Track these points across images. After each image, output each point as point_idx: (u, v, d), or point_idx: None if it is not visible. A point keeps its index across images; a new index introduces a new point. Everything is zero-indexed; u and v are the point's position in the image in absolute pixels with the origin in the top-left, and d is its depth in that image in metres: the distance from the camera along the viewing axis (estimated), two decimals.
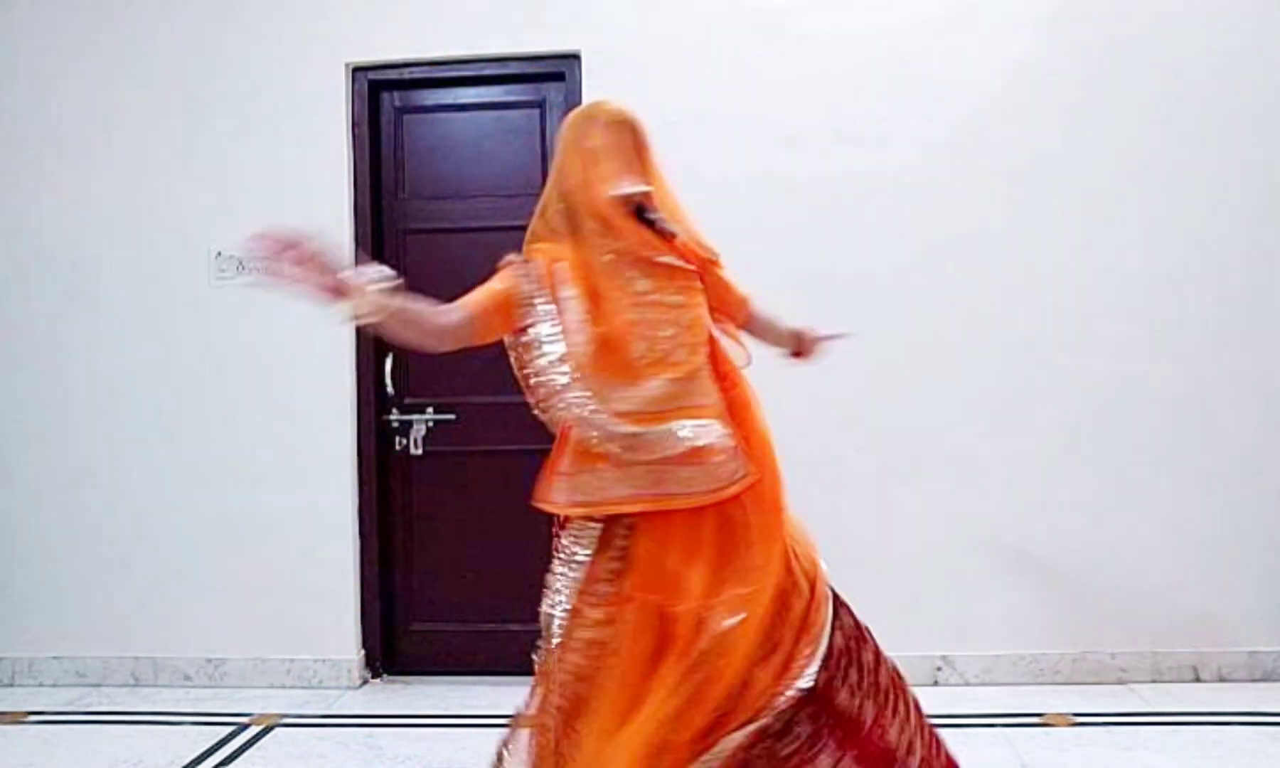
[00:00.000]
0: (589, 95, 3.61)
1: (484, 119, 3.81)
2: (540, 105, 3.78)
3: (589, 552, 1.92)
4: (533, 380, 1.93)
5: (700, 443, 1.87)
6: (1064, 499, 3.53)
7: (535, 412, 1.99)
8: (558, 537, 2.00)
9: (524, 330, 1.93)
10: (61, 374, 3.82)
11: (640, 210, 1.94)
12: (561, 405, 1.89)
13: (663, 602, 1.83)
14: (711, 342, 2.03)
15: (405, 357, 3.81)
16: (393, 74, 3.77)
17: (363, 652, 3.78)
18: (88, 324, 3.81)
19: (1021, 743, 3.03)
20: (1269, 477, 3.51)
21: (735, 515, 1.91)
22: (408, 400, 3.82)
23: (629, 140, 1.98)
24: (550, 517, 2.00)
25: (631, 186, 1.93)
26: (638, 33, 3.62)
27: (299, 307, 3.86)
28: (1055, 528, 3.53)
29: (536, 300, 1.91)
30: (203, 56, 3.76)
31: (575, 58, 3.67)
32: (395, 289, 1.82)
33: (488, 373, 3.78)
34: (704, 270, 2.03)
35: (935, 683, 3.55)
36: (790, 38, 3.59)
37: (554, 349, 1.89)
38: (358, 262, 1.95)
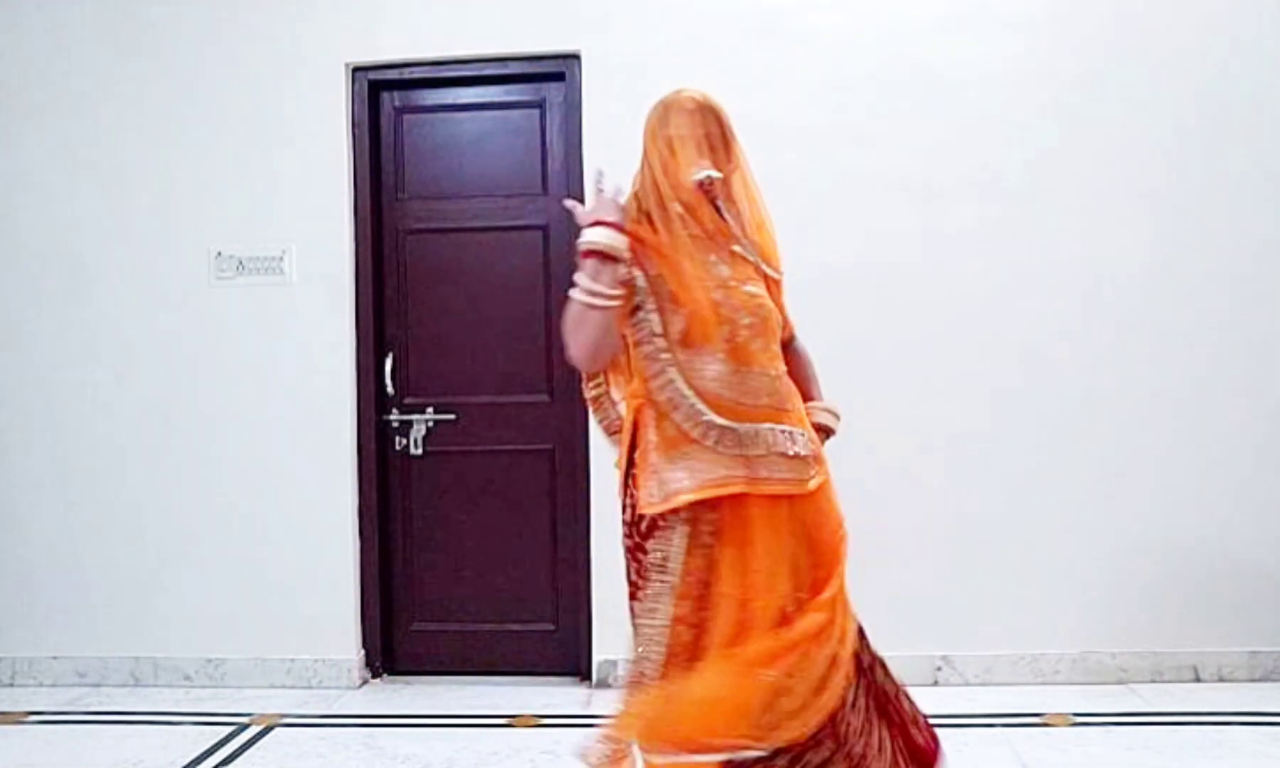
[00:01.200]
0: (589, 95, 3.63)
1: (484, 119, 3.81)
2: (540, 105, 3.78)
3: (680, 557, 1.89)
4: (644, 360, 1.92)
5: (789, 450, 1.92)
6: (1064, 498, 3.53)
7: (636, 395, 1.97)
8: (640, 546, 1.94)
9: (635, 311, 1.93)
10: (61, 374, 3.82)
11: (714, 204, 1.97)
12: (663, 384, 1.89)
13: (746, 597, 1.87)
14: (784, 345, 2.06)
15: (405, 357, 3.82)
16: (393, 74, 3.76)
17: (363, 652, 3.78)
18: (88, 324, 3.81)
19: (1021, 743, 3.03)
20: (1269, 475, 3.51)
21: (809, 519, 1.95)
22: (408, 400, 3.82)
23: (711, 127, 1.99)
24: (633, 521, 1.97)
25: (705, 171, 1.93)
26: (638, 33, 3.62)
27: (298, 307, 3.88)
28: (1055, 528, 3.53)
29: (636, 280, 1.91)
30: (203, 57, 3.76)
31: (575, 58, 3.67)
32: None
33: (488, 373, 3.80)
34: (768, 281, 2.04)
35: (935, 683, 3.55)
36: (790, 38, 3.59)
37: (652, 325, 1.89)
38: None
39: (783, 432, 1.92)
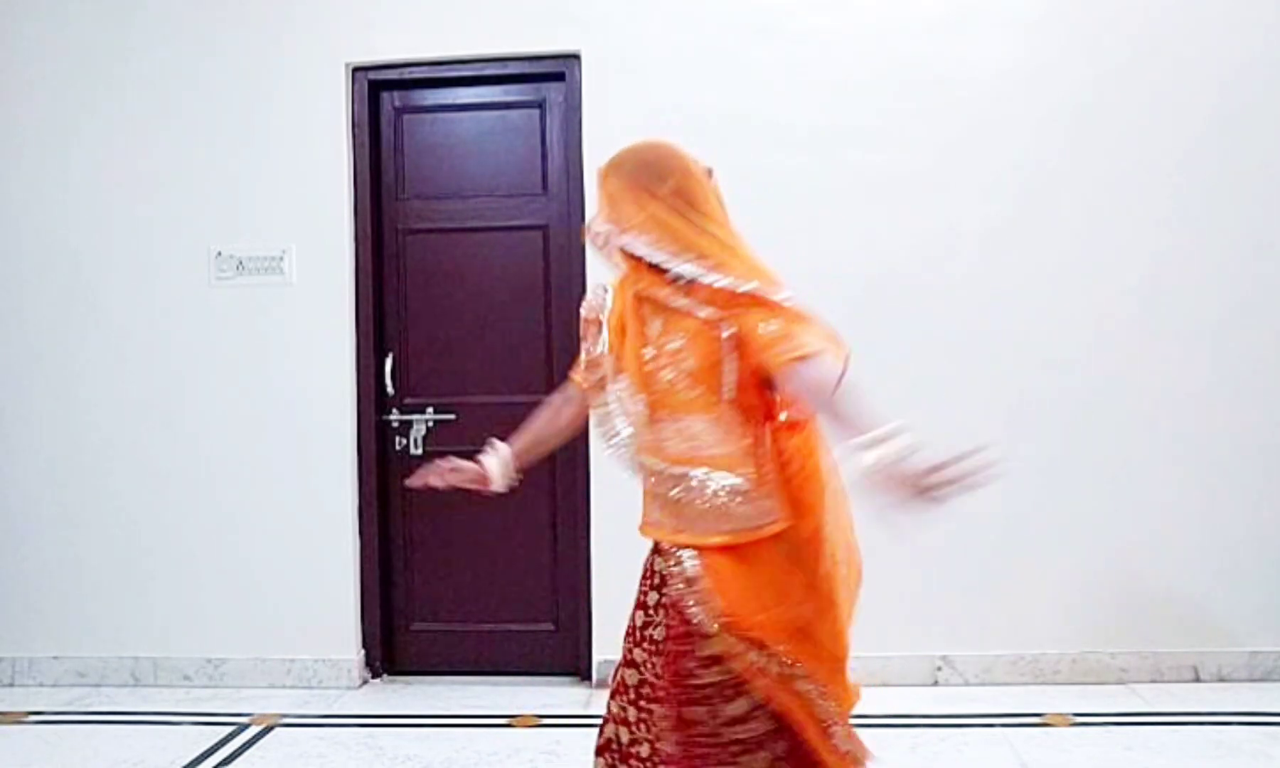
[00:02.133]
0: (589, 95, 3.63)
1: (484, 119, 3.81)
2: (540, 105, 3.78)
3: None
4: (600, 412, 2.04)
5: (707, 492, 1.89)
6: (1064, 498, 3.53)
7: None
8: None
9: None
10: (61, 374, 3.82)
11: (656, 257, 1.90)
12: (611, 435, 2.00)
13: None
14: (751, 387, 1.92)
15: (405, 357, 3.82)
16: (393, 74, 3.76)
17: (363, 652, 3.78)
18: (88, 324, 3.81)
19: (1021, 743, 3.03)
20: (1269, 476, 3.51)
21: (773, 561, 1.90)
22: (408, 400, 3.82)
23: (610, 186, 1.93)
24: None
25: (592, 224, 1.98)
26: (638, 33, 3.62)
27: (298, 307, 3.88)
28: (1056, 528, 3.53)
29: (590, 339, 2.04)
30: (203, 57, 3.76)
31: (575, 58, 3.67)
32: (512, 456, 2.17)
33: (488, 373, 3.80)
34: (739, 325, 1.89)
35: (935, 683, 3.55)
36: (790, 38, 3.59)
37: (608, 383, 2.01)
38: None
39: (708, 475, 1.90)
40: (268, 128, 3.74)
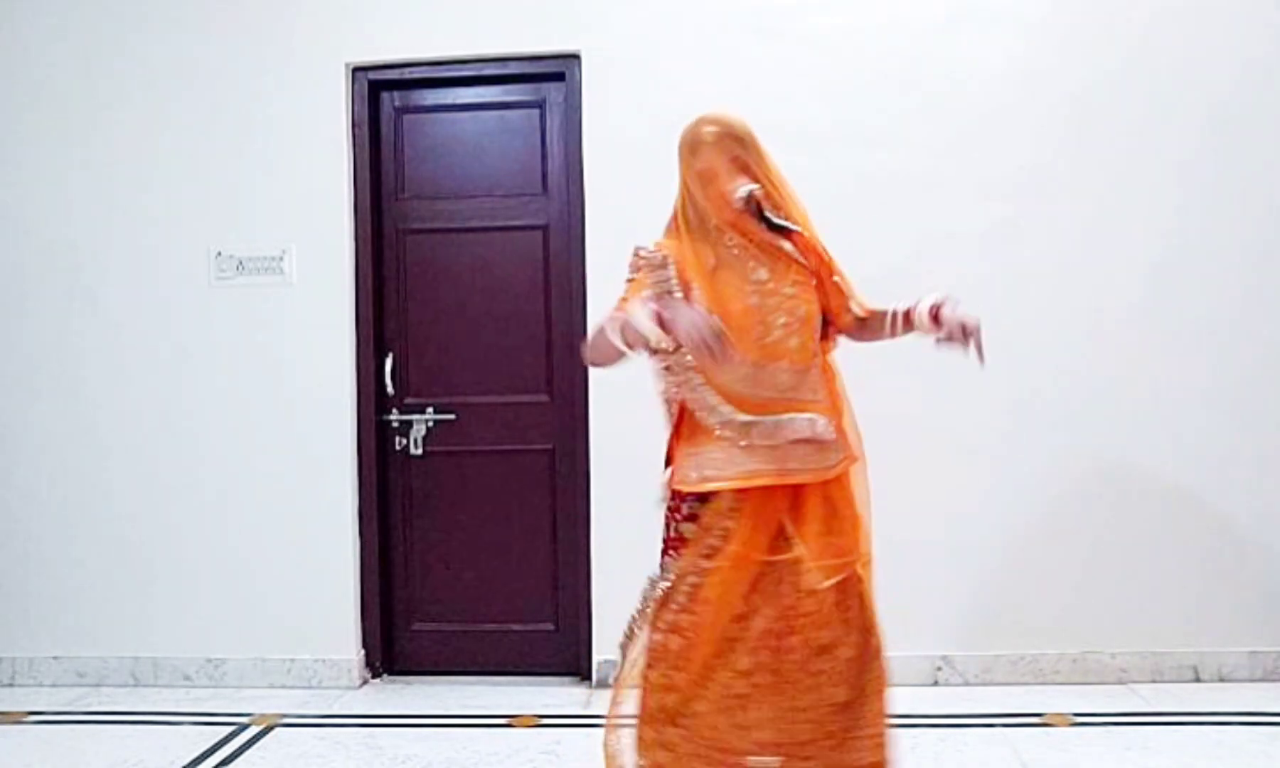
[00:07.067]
0: (589, 95, 3.63)
1: (484, 119, 3.81)
2: (540, 105, 3.78)
3: (693, 528, 2.07)
4: (671, 366, 2.07)
5: (808, 435, 2.05)
6: (1064, 498, 3.53)
7: (663, 396, 2.13)
8: (673, 519, 2.13)
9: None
10: (61, 374, 3.82)
11: (761, 212, 2.09)
12: (689, 387, 2.04)
13: (763, 555, 2.01)
14: (824, 339, 2.18)
15: (405, 357, 3.82)
16: (393, 74, 3.76)
17: (363, 652, 3.78)
18: (88, 324, 3.81)
19: (1021, 743, 3.03)
20: (1269, 475, 3.51)
21: (835, 496, 2.09)
22: (408, 400, 3.82)
23: (735, 150, 2.09)
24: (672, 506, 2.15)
25: (746, 187, 2.05)
26: (638, 33, 3.62)
27: (298, 307, 3.89)
28: (1055, 527, 3.53)
29: (672, 287, 2.03)
30: (203, 57, 3.75)
31: (575, 58, 3.67)
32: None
33: (488, 373, 3.80)
34: (820, 273, 2.16)
35: (935, 683, 3.55)
36: (791, 38, 3.59)
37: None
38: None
39: (806, 419, 2.05)
40: (268, 128, 3.74)
